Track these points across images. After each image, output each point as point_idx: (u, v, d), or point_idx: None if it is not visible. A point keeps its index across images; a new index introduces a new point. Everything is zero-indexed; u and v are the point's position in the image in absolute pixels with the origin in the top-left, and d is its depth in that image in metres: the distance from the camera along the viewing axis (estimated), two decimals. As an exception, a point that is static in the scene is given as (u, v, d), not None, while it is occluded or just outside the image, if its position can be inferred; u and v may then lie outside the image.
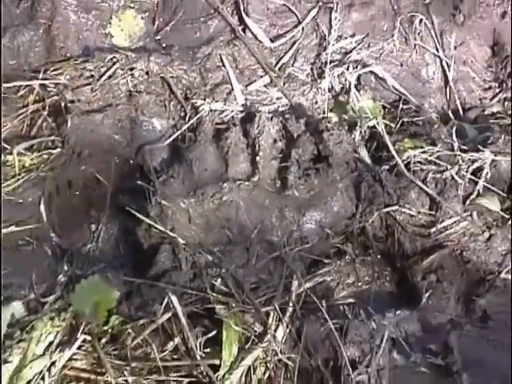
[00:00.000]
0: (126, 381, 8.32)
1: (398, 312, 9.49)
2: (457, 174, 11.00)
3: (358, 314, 9.38)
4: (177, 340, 8.84)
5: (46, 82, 12.17)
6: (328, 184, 11.12)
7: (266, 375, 8.59)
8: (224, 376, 8.44)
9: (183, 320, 8.78)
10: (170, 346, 8.84)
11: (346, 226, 11.18)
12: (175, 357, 8.74)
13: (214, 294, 9.38)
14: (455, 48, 13.22)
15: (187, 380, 8.50)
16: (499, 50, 13.78)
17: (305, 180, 11.15)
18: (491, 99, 13.68)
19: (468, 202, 10.99)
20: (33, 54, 12.75)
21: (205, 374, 8.48)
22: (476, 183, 11.05)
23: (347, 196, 11.27)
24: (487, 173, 11.10)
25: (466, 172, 11.08)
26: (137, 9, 13.24)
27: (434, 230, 10.83)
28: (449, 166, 11.09)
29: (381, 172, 11.22)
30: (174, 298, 8.93)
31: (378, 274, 10.78)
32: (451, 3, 13.66)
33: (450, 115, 13.13)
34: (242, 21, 12.69)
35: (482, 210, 10.95)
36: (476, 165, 11.26)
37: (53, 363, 8.53)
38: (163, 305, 9.04)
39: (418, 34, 13.16)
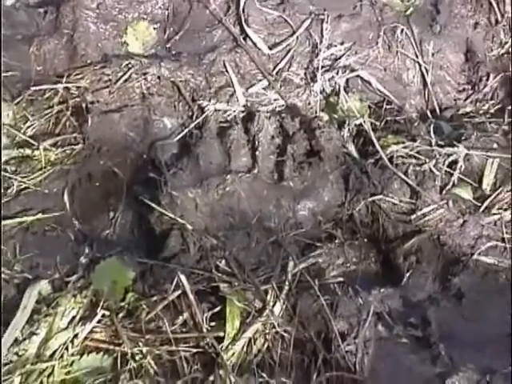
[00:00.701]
0: (141, 351, 8.36)
1: (382, 290, 9.53)
2: (434, 166, 11.05)
3: (347, 292, 9.42)
4: (186, 315, 8.88)
5: (69, 85, 12.21)
6: (320, 176, 11.16)
7: (265, 346, 8.65)
8: (227, 347, 8.50)
9: (191, 297, 8.83)
10: (180, 320, 8.88)
11: (336, 213, 11.25)
12: (184, 330, 8.78)
13: (218, 274, 9.44)
14: (433, 55, 13.30)
15: (195, 350, 8.54)
16: (472, 57, 13.89)
17: (299, 172, 11.20)
18: (465, 100, 13.77)
19: (444, 192, 11.05)
20: (57, 60, 12.84)
21: (210, 345, 8.54)
22: (451, 175, 11.12)
23: (337, 187, 11.31)
24: (461, 166, 11.16)
25: (443, 165, 11.14)
26: (149, 20, 13.31)
27: (414, 216, 10.89)
28: (427, 160, 11.16)
29: (367, 165, 11.28)
30: (183, 278, 8.98)
31: (364, 255, 10.84)
32: (429, 15, 13.78)
33: (428, 114, 13.19)
34: (243, 30, 12.75)
35: (457, 199, 11.01)
36: (451, 158, 11.33)
37: (75, 335, 8.57)
38: (173, 283, 9.09)
39: (400, 42, 13.22)
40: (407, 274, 10.33)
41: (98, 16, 13.68)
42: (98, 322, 8.84)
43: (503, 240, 10.65)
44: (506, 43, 14.30)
